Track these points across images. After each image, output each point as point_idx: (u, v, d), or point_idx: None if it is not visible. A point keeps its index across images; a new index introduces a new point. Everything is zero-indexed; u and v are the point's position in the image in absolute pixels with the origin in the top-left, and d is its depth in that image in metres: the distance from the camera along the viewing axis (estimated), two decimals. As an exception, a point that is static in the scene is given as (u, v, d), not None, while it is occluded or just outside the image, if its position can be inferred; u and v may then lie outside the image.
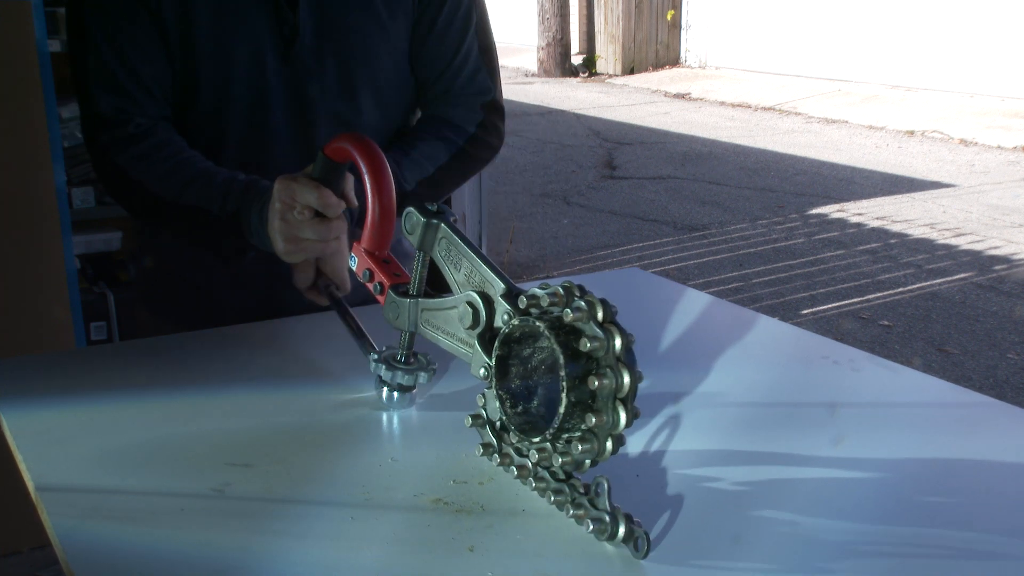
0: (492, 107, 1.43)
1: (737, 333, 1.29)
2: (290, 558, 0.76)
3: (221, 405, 1.05)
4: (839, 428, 1.01)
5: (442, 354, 0.97)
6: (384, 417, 1.03)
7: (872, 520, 0.83)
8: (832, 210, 6.24)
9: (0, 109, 2.32)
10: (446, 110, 1.41)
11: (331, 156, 1.10)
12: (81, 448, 0.95)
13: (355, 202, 1.15)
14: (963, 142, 8.36)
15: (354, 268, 1.06)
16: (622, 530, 0.77)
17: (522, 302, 0.83)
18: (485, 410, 0.88)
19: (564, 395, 0.77)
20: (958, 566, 0.77)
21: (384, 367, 1.01)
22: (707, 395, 1.09)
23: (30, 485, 0.89)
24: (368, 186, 1.04)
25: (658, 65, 13.25)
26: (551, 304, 0.80)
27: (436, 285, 1.00)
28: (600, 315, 0.76)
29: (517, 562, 0.76)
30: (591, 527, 0.78)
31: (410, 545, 0.79)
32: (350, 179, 1.14)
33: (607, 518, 0.77)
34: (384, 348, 1.04)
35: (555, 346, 0.77)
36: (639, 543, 0.76)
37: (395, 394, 1.02)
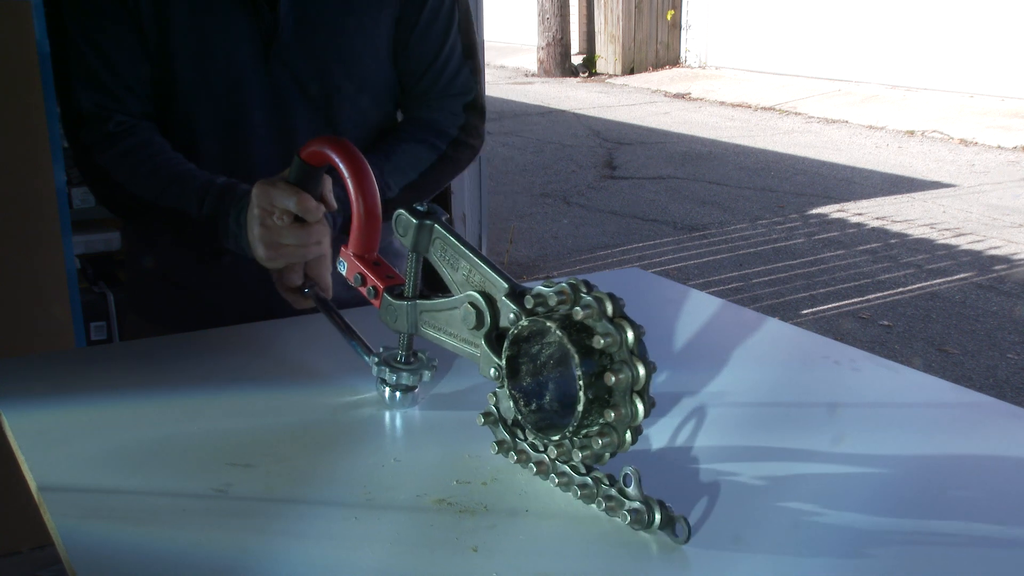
0: (473, 107, 1.41)
1: (737, 333, 1.29)
2: (291, 558, 0.76)
3: (222, 405, 1.05)
4: (839, 428, 1.01)
5: (443, 352, 0.97)
6: (386, 417, 1.03)
7: (872, 519, 0.83)
8: (832, 210, 6.24)
9: (0, 109, 2.32)
10: (428, 112, 1.40)
11: (308, 160, 1.08)
12: (82, 448, 0.95)
13: (334, 205, 1.13)
14: (963, 142, 8.36)
15: (344, 273, 1.05)
16: (659, 517, 0.77)
17: (528, 301, 0.82)
18: (498, 408, 0.88)
19: (581, 393, 0.77)
20: (958, 565, 0.77)
21: (386, 368, 1.01)
22: (707, 395, 1.09)
23: (32, 485, 0.89)
24: (351, 189, 1.03)
25: (658, 65, 13.25)
26: (558, 302, 0.80)
27: (432, 283, 1.00)
28: (610, 310, 0.76)
29: (521, 563, 0.76)
30: (628, 519, 0.78)
31: (413, 546, 0.79)
32: (328, 182, 1.13)
33: (642, 506, 0.78)
34: (383, 349, 1.04)
35: (568, 345, 0.78)
36: (678, 528, 0.77)
37: (398, 394, 1.02)
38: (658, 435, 0.98)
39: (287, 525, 0.82)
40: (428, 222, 0.95)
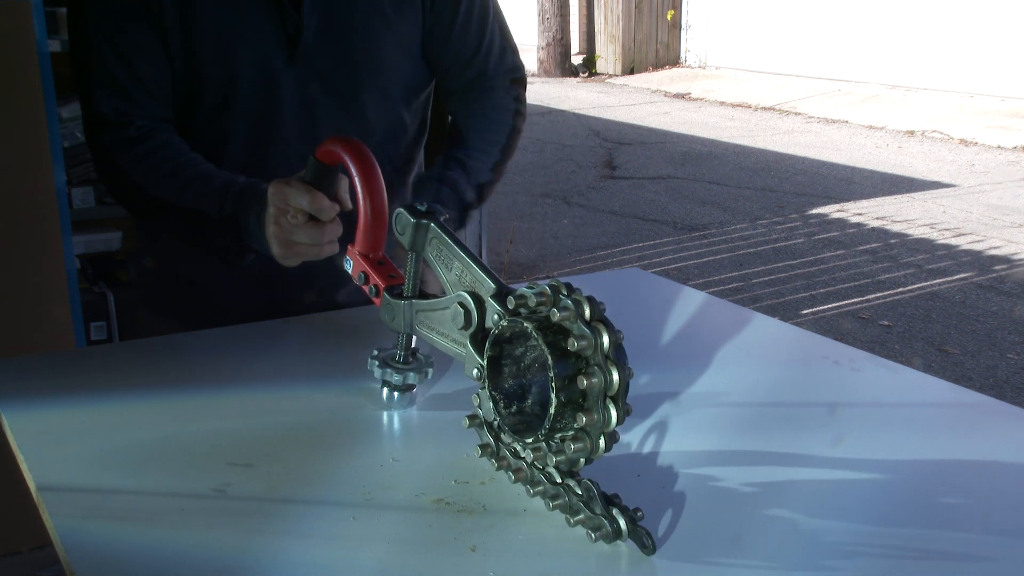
0: (522, 81, 1.48)
1: (737, 333, 1.29)
2: (291, 558, 0.76)
3: (221, 405, 1.05)
4: (839, 427, 1.01)
5: (441, 353, 0.97)
6: (385, 417, 1.03)
7: (872, 518, 0.83)
8: (832, 210, 6.24)
9: (0, 109, 2.32)
10: (488, 95, 1.43)
11: (322, 159, 1.09)
12: (82, 448, 0.95)
13: (349, 205, 1.14)
14: (963, 142, 8.36)
15: (349, 271, 1.06)
16: (624, 530, 0.77)
17: (510, 302, 0.82)
18: (481, 410, 0.88)
19: (554, 395, 0.76)
20: (957, 564, 0.77)
21: (385, 368, 1.01)
22: (707, 395, 1.09)
23: (31, 485, 0.89)
24: (359, 189, 1.04)
25: (658, 65, 13.24)
26: (539, 304, 0.80)
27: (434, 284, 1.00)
28: (587, 314, 0.76)
29: (519, 562, 0.76)
30: (595, 536, 0.78)
31: (411, 545, 0.79)
32: (344, 182, 1.14)
33: (605, 521, 0.77)
34: (377, 350, 1.04)
35: (543, 346, 0.77)
36: (644, 540, 0.76)
37: (395, 394, 1.02)
38: (656, 435, 0.98)
39: (286, 525, 0.82)
40: (425, 221, 0.95)
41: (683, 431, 0.99)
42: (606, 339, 0.74)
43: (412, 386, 1.03)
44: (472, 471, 0.90)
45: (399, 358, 1.02)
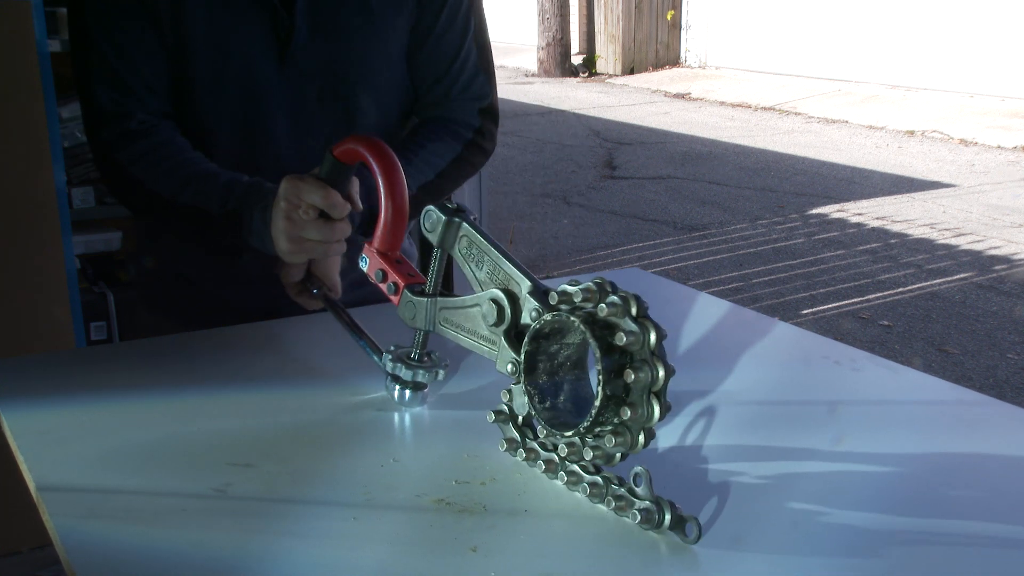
0: (488, 112, 1.43)
1: (738, 333, 1.29)
2: (291, 558, 0.76)
3: (222, 405, 1.05)
4: (839, 427, 1.01)
5: (450, 353, 0.97)
6: (386, 417, 1.03)
7: (873, 518, 0.83)
8: (832, 210, 6.24)
9: (0, 109, 2.32)
10: (445, 113, 1.41)
11: (340, 158, 1.10)
12: (82, 448, 0.95)
13: (360, 205, 1.15)
14: (963, 142, 8.36)
15: (365, 269, 1.06)
16: (668, 517, 0.78)
17: (553, 298, 0.83)
18: (511, 405, 0.88)
19: (600, 388, 0.77)
20: (958, 564, 0.77)
21: (402, 365, 1.01)
22: (707, 394, 1.09)
23: (31, 485, 0.88)
24: (381, 187, 1.04)
25: (658, 65, 13.24)
26: (583, 300, 0.80)
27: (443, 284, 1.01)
28: (634, 310, 0.76)
29: (520, 562, 0.76)
30: (638, 518, 0.78)
31: (412, 546, 0.79)
32: (355, 182, 1.14)
33: (652, 506, 0.78)
34: (395, 347, 1.04)
35: (591, 340, 0.78)
36: (688, 528, 0.77)
37: (407, 392, 1.02)
38: (659, 434, 0.98)
39: (286, 525, 0.82)
40: (457, 220, 0.96)
41: (682, 430, 0.99)
42: (653, 335, 0.76)
43: (424, 384, 1.03)
44: (473, 471, 0.90)
45: (414, 356, 1.02)
